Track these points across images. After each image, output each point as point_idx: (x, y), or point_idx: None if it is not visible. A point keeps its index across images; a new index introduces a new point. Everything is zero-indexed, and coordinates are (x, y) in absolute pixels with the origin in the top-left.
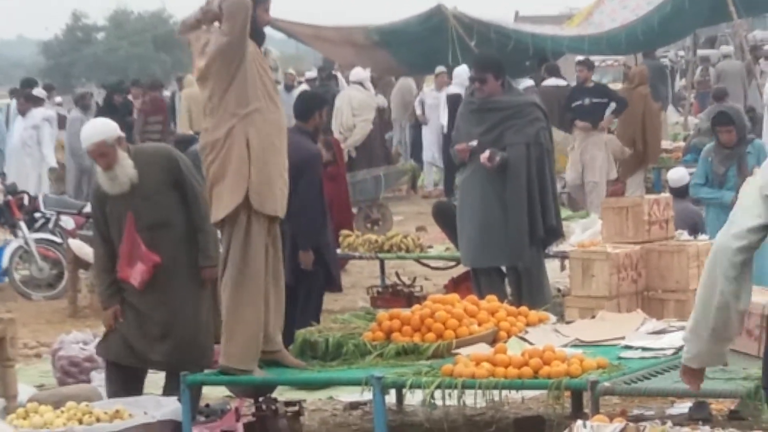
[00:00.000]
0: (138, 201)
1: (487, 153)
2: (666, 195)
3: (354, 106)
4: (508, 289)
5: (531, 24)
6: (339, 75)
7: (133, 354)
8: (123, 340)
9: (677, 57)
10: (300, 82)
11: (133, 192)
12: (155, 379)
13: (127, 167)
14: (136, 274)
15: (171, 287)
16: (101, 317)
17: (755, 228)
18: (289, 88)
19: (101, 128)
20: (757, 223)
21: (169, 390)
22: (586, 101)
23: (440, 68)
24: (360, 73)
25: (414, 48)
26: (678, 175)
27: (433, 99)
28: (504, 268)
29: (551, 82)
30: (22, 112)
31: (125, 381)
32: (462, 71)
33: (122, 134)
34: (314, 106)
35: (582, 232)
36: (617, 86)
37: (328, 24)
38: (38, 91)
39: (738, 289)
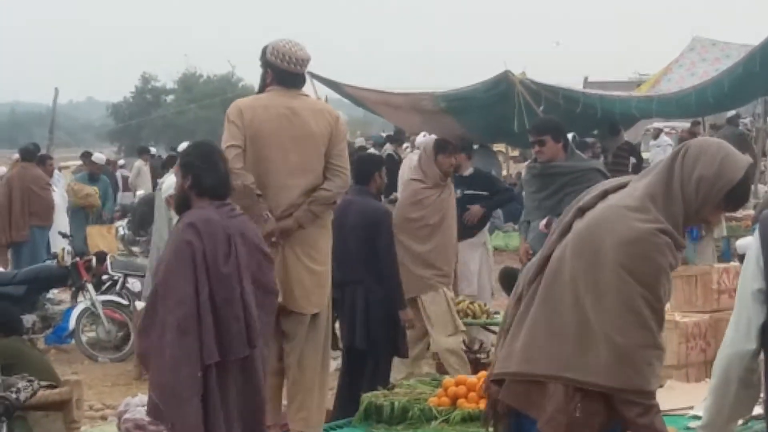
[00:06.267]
0: None
1: (545, 219)
2: (735, 264)
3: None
4: None
5: (599, 89)
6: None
7: None
8: None
9: (751, 125)
10: (366, 148)
11: None
12: None
13: None
14: None
15: None
16: None
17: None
18: None
19: None
20: (763, 320)
21: None
22: (458, 192)
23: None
24: (421, 138)
25: (481, 115)
26: (747, 243)
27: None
28: None
29: None
30: None
31: None
32: None
33: None
34: (372, 168)
35: None
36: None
37: (395, 90)
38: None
39: (756, 394)
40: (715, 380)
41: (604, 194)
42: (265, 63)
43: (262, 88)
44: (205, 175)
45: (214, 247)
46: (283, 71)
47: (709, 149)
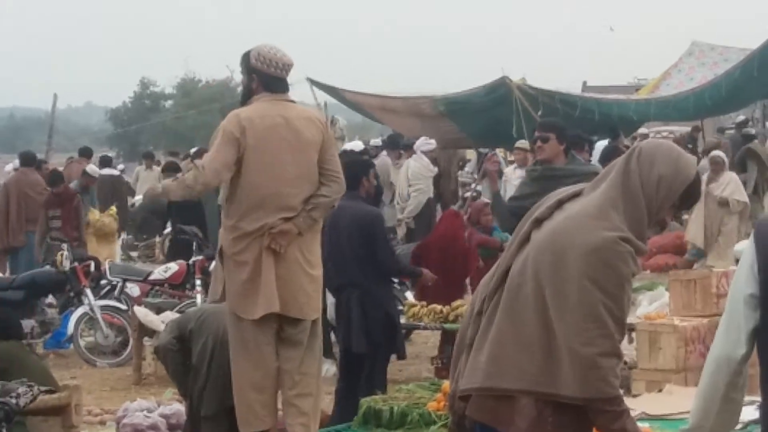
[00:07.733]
0: None
1: None
2: (735, 268)
3: (409, 177)
4: None
5: (598, 93)
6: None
7: None
8: None
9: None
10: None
11: None
12: None
13: None
14: None
15: None
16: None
17: (754, 330)
18: None
19: None
20: (752, 325)
21: None
22: None
23: (522, 142)
24: (420, 142)
25: (479, 119)
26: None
27: (518, 178)
28: None
29: None
30: None
31: None
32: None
33: None
34: (360, 173)
35: (649, 304)
36: None
37: (394, 94)
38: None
39: (742, 398)
40: (703, 384)
41: (559, 204)
42: (250, 69)
43: (248, 96)
44: None
45: None
46: (270, 77)
47: (661, 149)
